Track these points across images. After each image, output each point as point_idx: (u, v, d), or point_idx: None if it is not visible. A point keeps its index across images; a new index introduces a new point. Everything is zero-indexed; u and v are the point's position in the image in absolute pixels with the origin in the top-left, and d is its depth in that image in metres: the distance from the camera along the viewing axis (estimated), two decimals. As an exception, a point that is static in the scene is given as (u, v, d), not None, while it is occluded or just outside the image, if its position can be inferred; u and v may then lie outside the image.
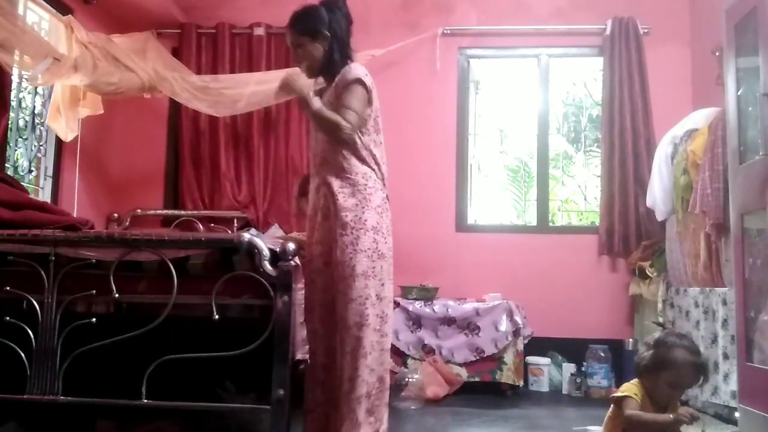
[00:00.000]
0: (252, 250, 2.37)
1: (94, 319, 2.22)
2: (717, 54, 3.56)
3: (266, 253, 2.37)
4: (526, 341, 3.89)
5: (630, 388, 2.13)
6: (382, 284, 2.27)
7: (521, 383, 3.83)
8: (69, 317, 2.24)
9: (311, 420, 2.35)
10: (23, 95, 3.93)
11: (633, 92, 4.33)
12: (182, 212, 4.49)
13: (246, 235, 2.41)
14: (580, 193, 6.17)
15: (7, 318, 2.21)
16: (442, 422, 3.13)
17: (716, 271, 3.14)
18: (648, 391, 2.09)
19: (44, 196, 3.91)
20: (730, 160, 2.90)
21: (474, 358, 3.75)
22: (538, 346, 4.05)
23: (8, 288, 2.21)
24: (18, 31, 3.12)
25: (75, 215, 3.29)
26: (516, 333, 3.77)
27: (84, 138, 4.07)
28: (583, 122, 6.40)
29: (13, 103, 3.58)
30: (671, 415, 1.99)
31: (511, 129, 6.08)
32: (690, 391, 3.22)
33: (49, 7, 3.84)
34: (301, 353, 2.55)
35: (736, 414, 2.71)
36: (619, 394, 2.12)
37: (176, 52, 4.57)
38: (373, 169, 2.38)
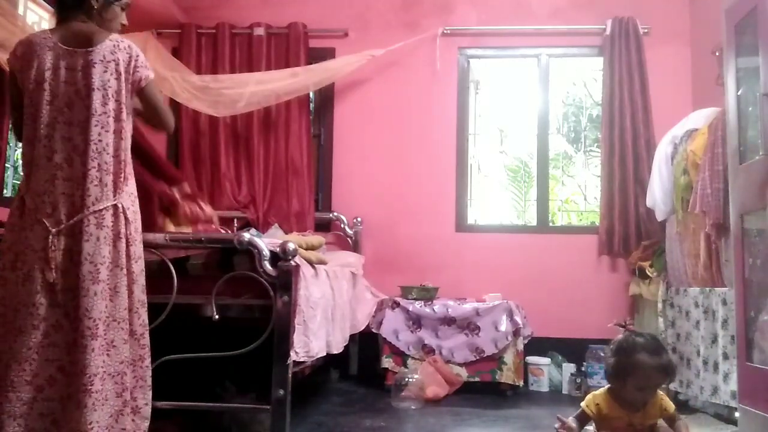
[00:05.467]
0: (252, 250, 2.38)
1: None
2: (717, 54, 3.56)
3: (266, 253, 2.38)
4: (526, 341, 3.89)
5: (590, 400, 2.18)
6: None
7: (521, 383, 3.83)
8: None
9: None
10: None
11: (633, 92, 4.33)
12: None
13: (246, 235, 2.41)
14: (580, 193, 6.19)
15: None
16: (442, 422, 3.12)
17: (716, 271, 3.14)
18: (618, 397, 2.12)
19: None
20: (730, 160, 2.90)
21: (474, 358, 3.75)
22: (538, 346, 4.05)
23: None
24: (18, 31, 3.12)
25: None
26: (516, 333, 3.76)
27: (84, 138, 4.07)
28: (583, 122, 6.42)
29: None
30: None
31: (511, 129, 6.10)
32: (690, 391, 3.23)
33: (49, 7, 3.84)
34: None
35: (736, 414, 2.71)
36: (582, 405, 2.19)
37: (176, 52, 4.57)
38: None
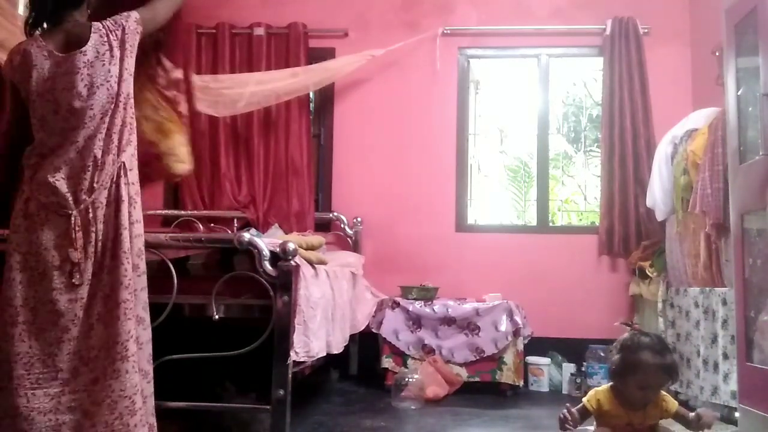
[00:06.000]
0: (252, 250, 2.38)
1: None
2: (717, 54, 3.56)
3: (266, 253, 2.38)
4: (526, 341, 3.89)
5: (591, 395, 2.17)
6: None
7: (521, 383, 3.83)
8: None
9: None
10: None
11: (633, 92, 4.33)
12: (182, 212, 4.48)
13: (246, 235, 2.41)
14: (580, 193, 6.19)
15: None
16: (442, 422, 3.12)
17: (716, 271, 3.14)
18: (620, 395, 2.12)
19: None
20: (730, 160, 2.90)
21: (474, 358, 3.75)
22: (538, 346, 4.05)
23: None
24: (18, 31, 3.11)
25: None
26: (516, 333, 3.76)
27: (84, 138, 4.07)
28: (583, 122, 6.42)
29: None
30: None
31: (511, 129, 6.10)
32: (690, 391, 3.23)
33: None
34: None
35: (736, 414, 2.71)
36: (584, 399, 2.18)
37: (176, 52, 4.57)
38: None
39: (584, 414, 2.16)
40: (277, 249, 2.40)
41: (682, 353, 3.35)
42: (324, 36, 4.62)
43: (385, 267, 4.38)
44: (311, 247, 3.12)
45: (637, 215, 4.23)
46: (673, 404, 2.16)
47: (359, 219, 4.46)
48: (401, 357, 3.82)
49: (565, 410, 2.14)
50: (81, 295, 1.99)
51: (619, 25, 4.39)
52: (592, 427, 2.19)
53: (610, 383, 2.18)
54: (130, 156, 2.09)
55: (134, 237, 2.06)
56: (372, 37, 4.53)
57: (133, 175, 2.09)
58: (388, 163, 4.56)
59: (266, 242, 2.44)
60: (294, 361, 2.43)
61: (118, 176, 2.04)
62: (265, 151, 4.49)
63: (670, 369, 2.09)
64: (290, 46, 4.53)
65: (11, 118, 2.18)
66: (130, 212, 2.05)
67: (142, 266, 2.09)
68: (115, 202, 2.03)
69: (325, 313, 2.92)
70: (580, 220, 5.74)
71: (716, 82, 3.52)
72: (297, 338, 2.46)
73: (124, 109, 2.08)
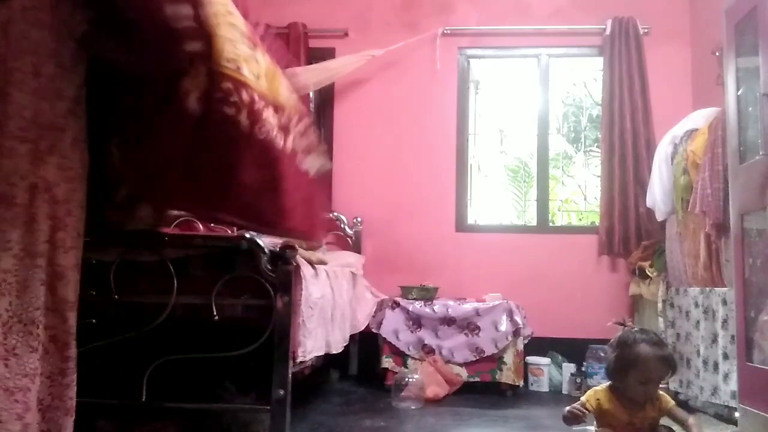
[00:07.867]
0: (252, 250, 2.38)
1: (94, 320, 2.21)
2: (717, 54, 3.56)
3: (266, 253, 2.37)
4: (526, 341, 3.89)
5: (590, 394, 2.16)
6: None
7: (521, 383, 3.83)
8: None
9: None
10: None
11: (633, 92, 4.33)
12: (182, 212, 4.47)
13: (246, 235, 2.41)
14: (580, 193, 6.18)
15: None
16: (442, 422, 3.12)
17: (716, 271, 3.14)
18: (620, 394, 2.11)
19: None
20: (730, 160, 2.90)
21: (474, 358, 3.75)
22: (538, 346, 4.05)
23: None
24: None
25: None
26: (516, 333, 3.76)
27: (84, 138, 4.07)
28: (583, 122, 6.42)
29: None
30: None
31: (511, 129, 6.10)
32: (690, 391, 3.23)
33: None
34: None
35: (736, 414, 2.71)
36: (582, 398, 2.17)
37: (176, 52, 4.57)
38: None
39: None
40: (278, 249, 2.40)
41: (682, 353, 3.35)
42: (324, 36, 4.62)
43: (385, 267, 4.39)
44: (311, 248, 3.12)
45: (637, 215, 4.23)
46: (668, 402, 2.15)
47: (359, 219, 4.46)
48: (401, 357, 3.82)
49: (577, 405, 2.12)
50: None
51: (619, 25, 4.39)
52: (592, 428, 2.19)
53: (609, 383, 2.18)
54: (58, 169, 1.61)
55: (68, 268, 1.61)
56: (372, 37, 4.53)
57: (64, 191, 1.62)
58: (388, 163, 4.56)
59: (266, 242, 2.44)
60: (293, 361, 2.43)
61: (32, 191, 1.56)
62: (265, 151, 4.48)
63: (669, 360, 2.09)
64: (290, 46, 4.53)
65: None
66: (55, 237, 1.59)
67: (75, 301, 1.64)
68: (26, 218, 1.56)
69: (325, 313, 2.92)
70: (580, 220, 5.73)
71: (716, 82, 3.53)
72: (296, 338, 2.46)
73: (45, 100, 1.59)
